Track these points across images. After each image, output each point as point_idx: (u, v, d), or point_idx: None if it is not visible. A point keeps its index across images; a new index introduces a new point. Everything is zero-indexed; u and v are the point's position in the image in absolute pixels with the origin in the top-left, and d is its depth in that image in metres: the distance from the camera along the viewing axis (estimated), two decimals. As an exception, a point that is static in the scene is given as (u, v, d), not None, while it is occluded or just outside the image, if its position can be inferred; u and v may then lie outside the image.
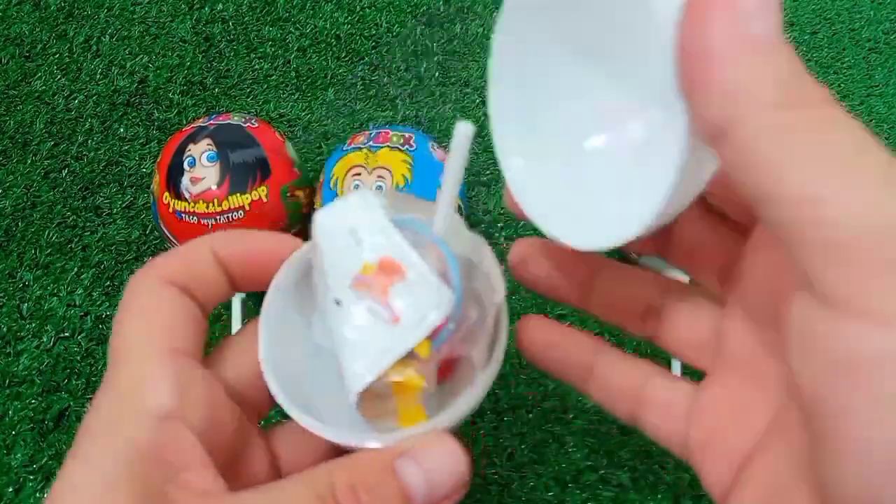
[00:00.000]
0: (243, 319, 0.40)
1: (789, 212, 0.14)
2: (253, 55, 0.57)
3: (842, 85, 0.56)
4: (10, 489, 0.37)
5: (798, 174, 0.14)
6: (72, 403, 0.40)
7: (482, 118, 0.53)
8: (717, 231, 0.22)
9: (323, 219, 0.22)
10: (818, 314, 0.14)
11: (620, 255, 0.47)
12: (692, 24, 0.15)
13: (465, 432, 0.40)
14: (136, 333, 0.21)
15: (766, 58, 0.15)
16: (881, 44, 0.59)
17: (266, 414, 0.25)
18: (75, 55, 0.56)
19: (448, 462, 0.19)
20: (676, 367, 0.36)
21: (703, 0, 0.15)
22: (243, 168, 0.40)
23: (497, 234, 0.47)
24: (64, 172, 0.50)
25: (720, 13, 0.15)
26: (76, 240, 0.47)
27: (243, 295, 0.40)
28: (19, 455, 0.38)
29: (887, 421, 0.13)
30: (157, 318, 0.21)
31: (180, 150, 0.40)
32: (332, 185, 0.40)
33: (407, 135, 0.41)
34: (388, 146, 0.40)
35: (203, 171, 0.39)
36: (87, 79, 0.55)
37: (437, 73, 0.56)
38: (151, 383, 0.19)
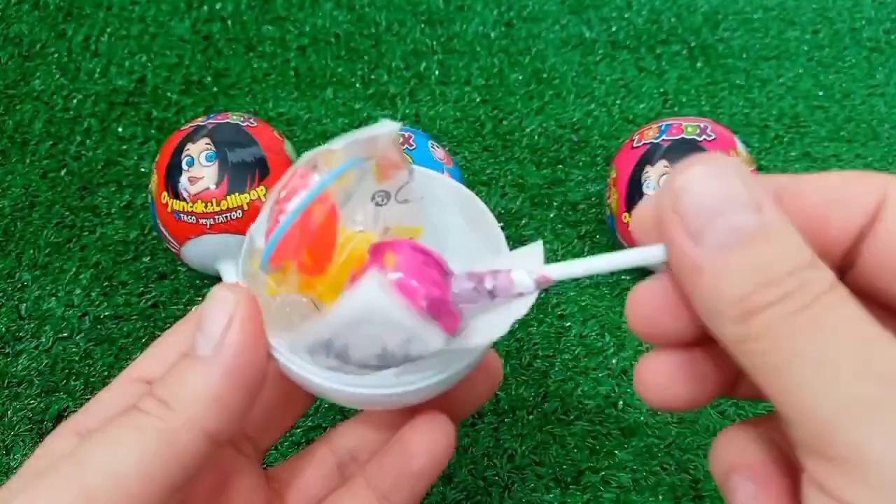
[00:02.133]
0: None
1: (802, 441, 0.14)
2: (252, 54, 0.56)
3: (843, 84, 0.56)
4: (8, 490, 0.37)
5: (795, 409, 0.14)
6: (70, 404, 0.40)
7: (482, 117, 0.53)
8: None
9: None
10: None
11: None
12: (670, 249, 0.16)
13: (465, 433, 0.40)
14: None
15: (734, 265, 0.14)
16: (882, 43, 0.59)
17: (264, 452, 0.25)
18: (74, 54, 0.56)
19: None
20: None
21: (664, 226, 0.15)
22: (242, 167, 0.39)
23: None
24: (62, 172, 0.50)
25: (678, 235, 0.15)
26: (74, 240, 0.46)
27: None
28: (18, 455, 0.38)
29: None
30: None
31: (178, 150, 0.40)
32: (331, 184, 0.40)
33: (406, 134, 0.41)
34: (388, 145, 0.40)
35: (201, 170, 0.39)
36: (86, 78, 0.55)
37: (436, 72, 0.55)
38: None
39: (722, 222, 0.14)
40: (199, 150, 0.40)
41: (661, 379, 0.17)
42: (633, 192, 0.41)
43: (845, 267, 0.16)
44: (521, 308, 0.19)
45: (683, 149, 0.40)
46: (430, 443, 0.22)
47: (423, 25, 0.58)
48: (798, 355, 0.14)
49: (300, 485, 0.24)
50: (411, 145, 0.40)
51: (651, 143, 0.41)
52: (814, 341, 0.14)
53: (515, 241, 0.46)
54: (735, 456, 0.17)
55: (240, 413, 0.19)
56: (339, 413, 0.39)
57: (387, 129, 0.21)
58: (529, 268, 0.19)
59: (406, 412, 0.23)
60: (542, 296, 0.42)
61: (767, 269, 0.14)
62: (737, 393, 0.19)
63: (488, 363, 0.24)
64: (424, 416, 0.23)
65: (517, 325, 0.43)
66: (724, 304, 0.14)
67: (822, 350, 0.13)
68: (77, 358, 0.42)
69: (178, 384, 0.19)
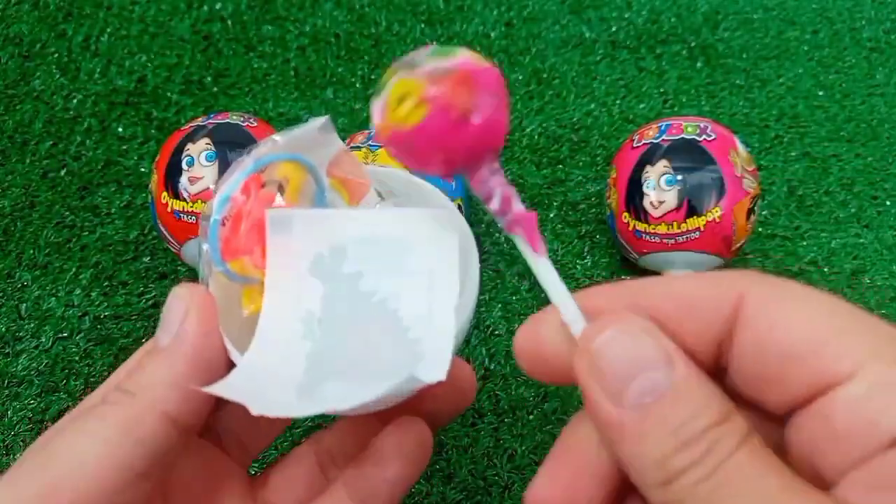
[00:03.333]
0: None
1: None
2: (252, 54, 0.56)
3: (843, 85, 0.56)
4: (8, 490, 0.37)
5: None
6: (70, 404, 0.40)
7: (482, 117, 0.53)
8: None
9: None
10: None
11: (620, 256, 0.46)
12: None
13: (465, 433, 0.40)
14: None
15: (645, 430, 0.15)
16: (882, 43, 0.59)
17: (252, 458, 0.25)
18: (74, 54, 0.56)
19: None
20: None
21: (583, 387, 0.16)
22: (242, 168, 0.39)
23: (497, 234, 0.47)
24: (62, 172, 0.50)
25: (599, 397, 0.15)
26: (74, 240, 0.46)
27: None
28: (18, 455, 0.38)
29: None
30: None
31: (179, 150, 0.40)
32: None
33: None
34: (388, 146, 0.40)
35: (201, 170, 0.39)
36: (86, 78, 0.55)
37: (436, 72, 0.55)
38: None
39: (637, 384, 0.15)
40: (199, 150, 0.40)
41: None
42: (633, 192, 0.41)
43: (723, 370, 0.16)
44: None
45: (683, 149, 0.40)
46: (403, 448, 0.22)
47: (423, 25, 0.58)
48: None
49: (285, 490, 0.24)
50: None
51: (651, 143, 0.41)
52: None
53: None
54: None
55: (202, 399, 0.20)
56: (323, 419, 0.39)
57: (315, 122, 0.22)
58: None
59: (386, 414, 0.23)
60: (543, 295, 0.42)
61: (682, 429, 0.14)
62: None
63: (459, 375, 0.24)
64: (398, 421, 0.23)
65: (517, 326, 0.43)
66: (646, 467, 0.15)
67: None
68: (77, 358, 0.42)
69: (139, 374, 0.20)
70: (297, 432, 0.39)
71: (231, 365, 0.21)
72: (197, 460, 0.23)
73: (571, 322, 0.17)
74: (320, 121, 0.22)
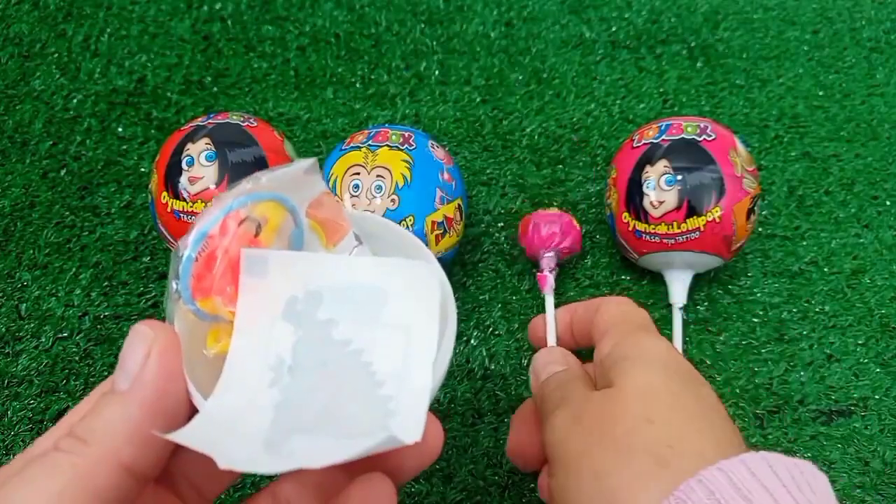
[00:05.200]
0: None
1: None
2: (252, 54, 0.56)
3: (843, 84, 0.56)
4: (8, 490, 0.37)
5: None
6: (70, 404, 0.40)
7: (482, 117, 0.53)
8: None
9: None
10: None
11: (621, 255, 0.46)
12: None
13: (465, 433, 0.40)
14: None
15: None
16: (882, 43, 0.59)
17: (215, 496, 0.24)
18: (74, 54, 0.56)
19: None
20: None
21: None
22: (242, 167, 0.39)
23: (497, 234, 0.47)
24: (62, 172, 0.50)
25: None
26: (74, 240, 0.46)
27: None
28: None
29: None
30: None
31: (178, 150, 0.40)
32: (331, 184, 0.40)
33: (406, 134, 0.41)
34: (388, 145, 0.40)
35: (201, 170, 0.39)
36: (86, 78, 0.55)
37: (436, 72, 0.55)
38: None
39: (545, 373, 0.32)
40: (199, 150, 0.40)
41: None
42: (633, 192, 0.41)
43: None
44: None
45: (683, 149, 0.40)
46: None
47: (423, 25, 0.58)
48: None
49: None
50: (411, 145, 0.40)
51: (651, 143, 0.41)
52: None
53: (516, 240, 0.46)
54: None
55: (161, 447, 0.19)
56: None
57: (302, 163, 0.21)
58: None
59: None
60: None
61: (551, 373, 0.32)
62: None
63: (429, 431, 0.22)
64: (364, 479, 0.21)
65: (517, 326, 0.43)
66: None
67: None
68: (77, 358, 0.42)
69: (94, 419, 0.19)
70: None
71: (193, 408, 0.20)
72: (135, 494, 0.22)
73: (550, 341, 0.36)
74: (307, 162, 0.22)
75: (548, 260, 0.42)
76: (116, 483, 0.18)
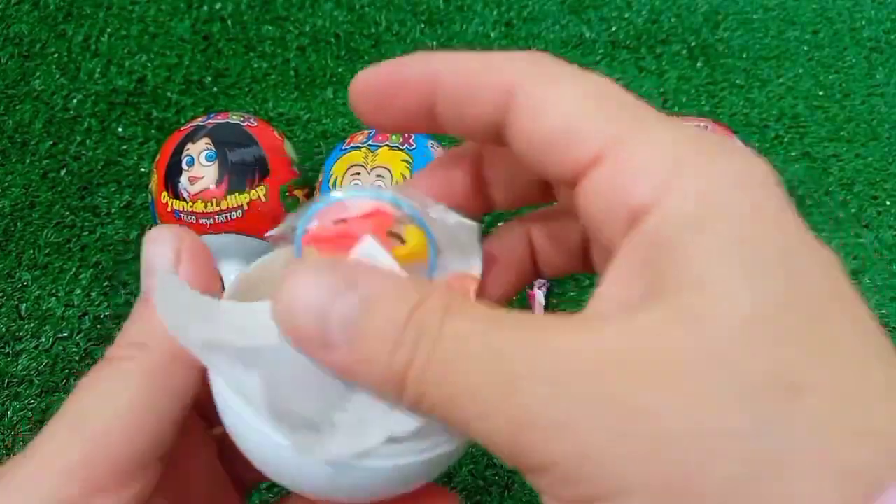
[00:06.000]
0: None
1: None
2: (252, 54, 0.56)
3: (843, 84, 0.56)
4: (8, 490, 0.37)
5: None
6: (70, 404, 0.40)
7: (482, 117, 0.53)
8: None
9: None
10: None
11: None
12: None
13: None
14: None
15: (365, 358, 0.14)
16: (882, 43, 0.59)
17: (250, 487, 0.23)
18: (74, 54, 0.56)
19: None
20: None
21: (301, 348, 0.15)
22: (242, 167, 0.39)
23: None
24: (62, 172, 0.50)
25: (317, 354, 0.15)
26: (74, 240, 0.46)
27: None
28: (17, 456, 0.38)
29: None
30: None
31: (179, 150, 0.40)
32: (331, 184, 0.40)
33: (406, 134, 0.41)
34: (388, 145, 0.40)
35: (201, 170, 0.39)
36: (86, 78, 0.55)
37: (436, 72, 0.55)
38: None
39: (332, 325, 0.14)
40: (199, 150, 0.40)
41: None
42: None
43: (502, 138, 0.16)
44: None
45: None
46: None
47: (423, 25, 0.58)
48: (455, 396, 0.13)
49: None
50: (411, 145, 0.40)
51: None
52: (456, 378, 0.13)
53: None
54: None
55: None
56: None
57: (466, 222, 0.19)
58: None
59: None
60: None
61: (389, 329, 0.14)
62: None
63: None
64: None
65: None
66: (385, 387, 0.14)
67: (467, 384, 0.13)
68: (77, 358, 0.42)
69: (145, 324, 0.18)
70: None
71: None
72: (209, 472, 0.21)
73: None
74: (473, 226, 0.19)
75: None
76: (182, 377, 0.17)
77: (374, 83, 0.17)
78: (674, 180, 0.13)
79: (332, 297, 0.14)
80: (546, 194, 0.19)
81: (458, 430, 0.14)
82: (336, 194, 0.18)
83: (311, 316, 0.14)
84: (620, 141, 0.14)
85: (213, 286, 0.18)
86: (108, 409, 0.17)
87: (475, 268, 0.19)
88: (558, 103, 0.14)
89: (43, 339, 0.42)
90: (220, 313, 0.18)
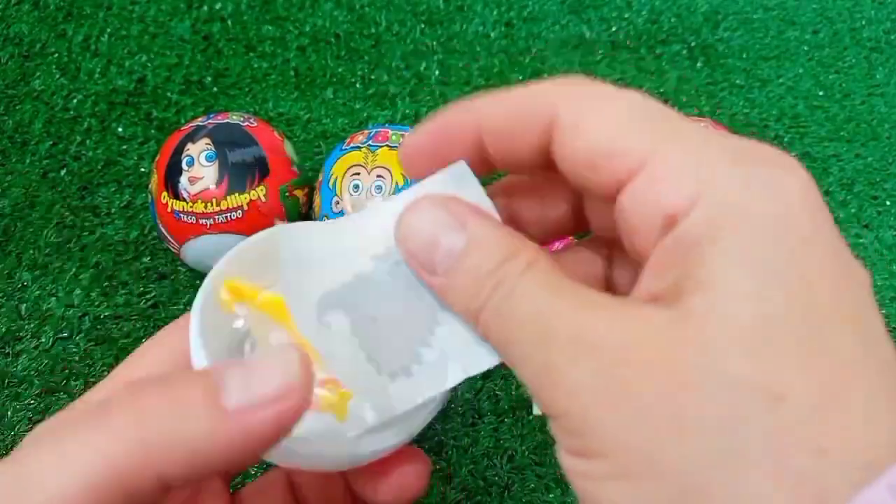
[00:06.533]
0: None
1: None
2: (252, 54, 0.56)
3: (843, 84, 0.56)
4: (8, 490, 0.37)
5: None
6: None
7: (482, 117, 0.53)
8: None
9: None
10: None
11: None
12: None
13: (466, 433, 0.40)
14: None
15: (456, 285, 0.17)
16: (882, 43, 0.59)
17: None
18: (74, 54, 0.56)
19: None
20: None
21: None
22: (242, 167, 0.39)
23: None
24: (62, 172, 0.50)
25: (420, 273, 0.18)
26: (74, 240, 0.46)
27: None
28: (17, 456, 0.38)
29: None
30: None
31: (178, 150, 0.40)
32: (331, 184, 0.40)
33: (406, 134, 0.41)
34: (388, 145, 0.40)
35: (201, 170, 0.39)
36: (86, 78, 0.55)
37: (437, 72, 0.55)
38: None
39: (437, 254, 0.17)
40: (199, 150, 0.40)
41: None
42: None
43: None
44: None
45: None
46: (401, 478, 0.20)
47: (423, 25, 0.58)
48: (518, 344, 0.16)
49: None
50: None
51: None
52: (511, 330, 0.16)
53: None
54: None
55: (203, 476, 0.16)
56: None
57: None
58: None
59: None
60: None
61: (478, 273, 0.17)
62: None
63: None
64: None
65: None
66: (468, 315, 0.17)
67: (518, 338, 0.16)
68: (77, 358, 0.42)
69: (169, 410, 0.15)
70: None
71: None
72: None
73: None
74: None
75: None
76: (145, 487, 0.15)
77: (422, 146, 0.19)
78: (706, 189, 0.14)
79: (443, 230, 0.17)
80: (577, 226, 0.21)
81: (520, 375, 0.17)
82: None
83: (422, 242, 0.18)
84: (657, 153, 0.15)
85: (282, 434, 0.16)
86: (54, 491, 0.14)
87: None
88: (598, 121, 0.16)
89: (43, 339, 0.42)
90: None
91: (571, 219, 0.21)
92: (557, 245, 0.42)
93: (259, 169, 0.40)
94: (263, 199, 0.40)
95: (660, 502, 0.13)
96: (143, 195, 0.48)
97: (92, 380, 0.41)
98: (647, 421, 0.14)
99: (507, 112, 0.17)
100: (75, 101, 0.53)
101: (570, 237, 0.42)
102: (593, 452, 0.14)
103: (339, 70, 0.56)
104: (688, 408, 0.13)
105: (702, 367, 0.13)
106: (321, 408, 0.19)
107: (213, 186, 0.39)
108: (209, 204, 0.39)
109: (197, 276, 0.45)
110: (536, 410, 0.40)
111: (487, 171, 0.19)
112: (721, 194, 0.14)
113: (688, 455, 0.13)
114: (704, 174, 0.14)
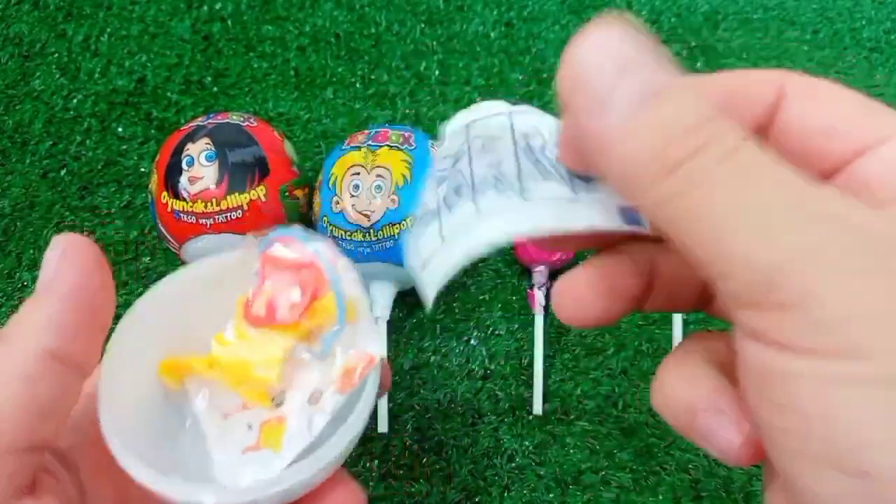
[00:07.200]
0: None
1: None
2: (252, 54, 0.56)
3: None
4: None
5: (713, 247, 0.13)
6: (70, 404, 0.40)
7: (482, 117, 0.53)
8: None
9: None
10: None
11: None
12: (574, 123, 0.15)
13: (466, 433, 0.40)
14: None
15: (644, 123, 0.14)
16: (882, 43, 0.59)
17: None
18: (74, 54, 0.56)
19: None
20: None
21: (568, 102, 0.15)
22: (242, 167, 0.39)
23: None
24: (62, 172, 0.50)
25: (585, 106, 0.14)
26: (74, 239, 0.46)
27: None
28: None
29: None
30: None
31: (178, 150, 0.40)
32: (330, 184, 0.40)
33: (406, 133, 0.41)
34: (388, 145, 0.40)
35: (201, 170, 0.39)
36: (86, 78, 0.55)
37: (436, 72, 0.55)
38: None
39: (627, 84, 0.14)
40: (199, 150, 0.40)
41: (580, 293, 0.18)
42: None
43: None
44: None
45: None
46: None
47: (423, 25, 0.58)
48: (731, 204, 0.13)
49: None
50: (412, 145, 0.40)
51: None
52: (745, 189, 0.13)
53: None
54: (692, 393, 0.17)
55: (87, 334, 0.20)
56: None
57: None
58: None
59: None
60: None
61: (679, 123, 0.13)
62: (645, 307, 0.19)
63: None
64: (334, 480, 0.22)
65: (517, 326, 0.43)
66: (643, 166, 0.14)
67: (756, 197, 0.13)
68: (77, 358, 0.42)
69: (15, 320, 0.19)
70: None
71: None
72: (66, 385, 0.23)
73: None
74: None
75: (538, 275, 0.40)
76: (44, 369, 0.19)
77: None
78: None
79: (637, 65, 0.14)
80: (700, 302, 0.20)
81: (704, 242, 0.14)
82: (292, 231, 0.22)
83: (606, 69, 0.14)
84: (891, 137, 0.16)
85: (88, 279, 0.21)
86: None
87: (375, 349, 0.23)
88: (825, 102, 0.16)
89: (43, 339, 0.42)
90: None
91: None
92: (561, 255, 0.42)
93: (259, 169, 0.40)
94: (263, 198, 0.40)
95: None
96: (143, 195, 0.48)
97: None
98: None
99: (732, 83, 0.17)
100: (75, 101, 0.53)
101: (572, 253, 0.42)
102: (849, 352, 0.12)
103: (339, 70, 0.56)
104: None
105: None
106: (261, 445, 0.21)
107: (213, 186, 0.39)
108: (209, 204, 0.39)
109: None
110: (537, 409, 0.40)
111: None
112: None
113: None
114: None
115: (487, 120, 0.19)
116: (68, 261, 0.20)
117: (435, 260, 0.17)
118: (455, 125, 0.20)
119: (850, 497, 0.12)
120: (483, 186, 0.17)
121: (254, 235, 0.23)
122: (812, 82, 0.17)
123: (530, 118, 0.19)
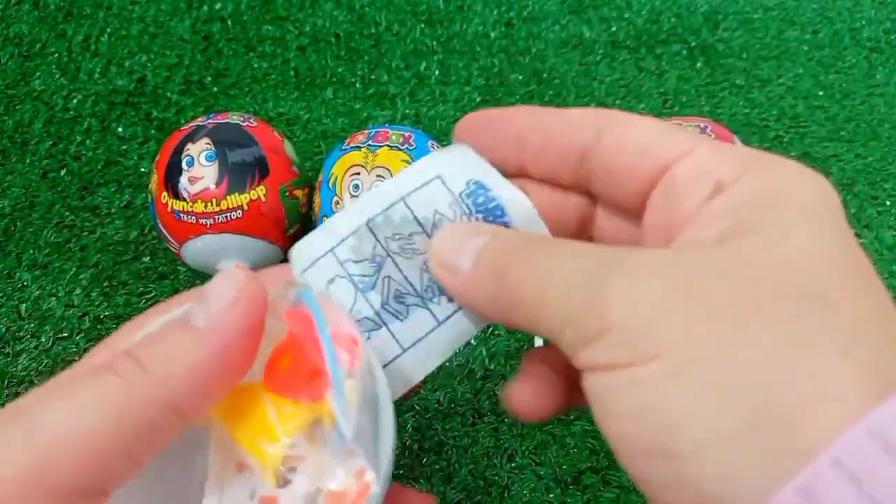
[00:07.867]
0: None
1: None
2: (252, 54, 0.56)
3: (843, 84, 0.56)
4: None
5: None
6: (70, 404, 0.40)
7: (482, 117, 0.53)
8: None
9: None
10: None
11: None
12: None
13: (466, 433, 0.40)
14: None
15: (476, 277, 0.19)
16: (882, 43, 0.59)
17: None
18: (74, 54, 0.56)
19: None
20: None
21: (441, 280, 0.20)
22: (242, 167, 0.39)
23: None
24: (62, 172, 0.50)
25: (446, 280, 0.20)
26: (74, 240, 0.46)
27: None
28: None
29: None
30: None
31: (178, 150, 0.40)
32: (330, 184, 0.40)
33: (406, 134, 0.41)
34: (388, 145, 0.40)
35: (201, 170, 0.39)
36: (86, 78, 0.55)
37: (437, 72, 0.55)
38: None
39: (467, 248, 0.19)
40: (199, 150, 0.40)
41: (524, 399, 0.22)
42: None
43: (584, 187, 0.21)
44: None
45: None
46: None
47: (423, 25, 0.58)
48: (554, 288, 0.17)
49: None
50: (411, 145, 0.40)
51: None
52: (560, 271, 0.17)
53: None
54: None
55: (211, 396, 0.18)
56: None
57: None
58: None
59: None
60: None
61: (503, 249, 0.18)
62: (578, 403, 0.22)
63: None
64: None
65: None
66: (485, 297, 0.19)
67: (574, 275, 0.17)
68: (77, 358, 0.42)
69: (159, 346, 0.17)
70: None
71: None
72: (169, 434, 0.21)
73: None
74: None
75: None
76: (160, 421, 0.17)
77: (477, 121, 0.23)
78: (750, 166, 0.17)
79: (468, 234, 0.19)
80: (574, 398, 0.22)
81: (528, 318, 0.18)
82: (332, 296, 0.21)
83: (450, 248, 0.19)
84: (702, 144, 0.18)
85: (250, 340, 0.18)
86: (63, 426, 0.16)
87: (369, 475, 0.20)
88: (644, 123, 0.19)
89: (43, 339, 0.42)
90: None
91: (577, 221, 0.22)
92: None
93: (259, 169, 0.40)
94: (263, 198, 0.40)
95: (715, 388, 0.14)
96: (143, 195, 0.48)
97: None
98: (712, 314, 0.15)
99: (546, 130, 0.21)
100: (75, 101, 0.53)
101: None
102: (645, 358, 0.15)
103: (339, 70, 0.56)
104: (754, 302, 0.15)
105: (765, 276, 0.15)
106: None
107: (213, 186, 0.39)
108: (209, 204, 0.39)
109: (197, 276, 0.45)
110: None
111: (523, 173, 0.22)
112: (764, 174, 0.17)
113: (755, 340, 0.14)
114: (747, 159, 0.17)
115: (388, 214, 0.21)
116: (242, 309, 0.18)
117: (407, 361, 0.21)
118: (343, 224, 0.21)
119: (670, 479, 0.15)
120: (429, 294, 0.21)
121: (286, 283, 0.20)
122: (626, 117, 0.19)
123: (424, 193, 0.21)
